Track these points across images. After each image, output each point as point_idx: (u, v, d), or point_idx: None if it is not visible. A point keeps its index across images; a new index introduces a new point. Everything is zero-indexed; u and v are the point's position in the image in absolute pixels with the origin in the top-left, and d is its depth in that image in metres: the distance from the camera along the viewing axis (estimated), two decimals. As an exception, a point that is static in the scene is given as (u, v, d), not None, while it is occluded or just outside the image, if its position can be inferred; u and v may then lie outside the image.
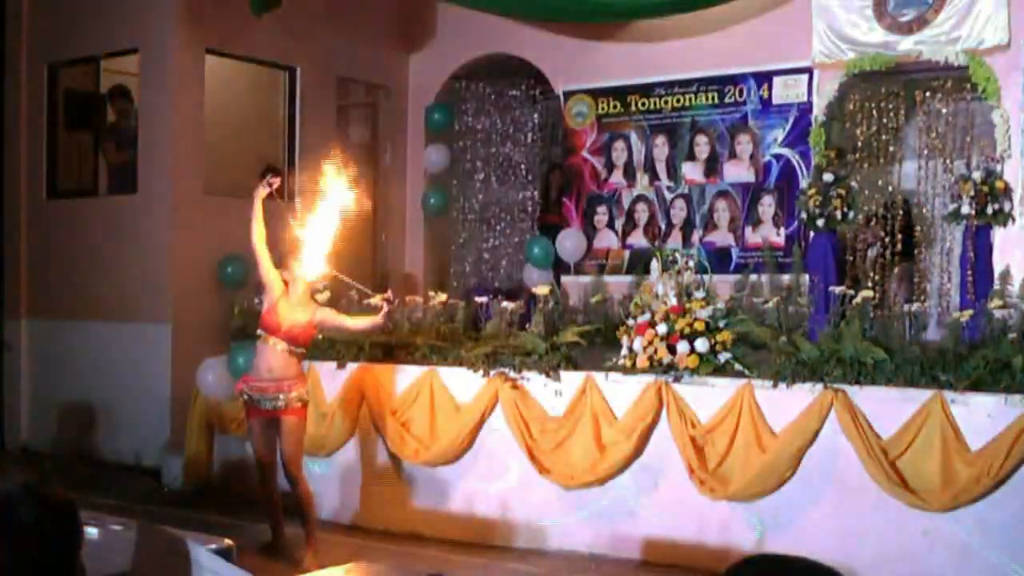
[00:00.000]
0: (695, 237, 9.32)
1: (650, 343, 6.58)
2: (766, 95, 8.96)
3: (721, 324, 6.59)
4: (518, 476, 6.97)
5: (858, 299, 6.46)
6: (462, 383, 7.18)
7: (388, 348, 7.59)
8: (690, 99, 9.37)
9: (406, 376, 7.43)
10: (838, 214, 7.70)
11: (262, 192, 6.25)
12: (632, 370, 6.66)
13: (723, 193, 9.23)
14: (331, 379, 7.60)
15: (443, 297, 7.89)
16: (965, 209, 7.47)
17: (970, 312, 6.42)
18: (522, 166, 10.77)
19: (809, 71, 8.61)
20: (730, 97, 9.16)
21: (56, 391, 9.59)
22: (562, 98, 10.03)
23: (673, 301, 6.66)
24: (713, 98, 9.24)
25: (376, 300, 6.56)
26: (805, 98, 8.71)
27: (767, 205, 8.99)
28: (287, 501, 6.51)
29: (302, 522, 6.42)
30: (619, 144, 9.74)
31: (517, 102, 10.75)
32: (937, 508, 5.69)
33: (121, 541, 3.34)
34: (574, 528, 6.81)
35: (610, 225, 9.78)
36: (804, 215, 7.93)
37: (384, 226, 10.64)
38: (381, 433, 7.40)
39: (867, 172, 8.71)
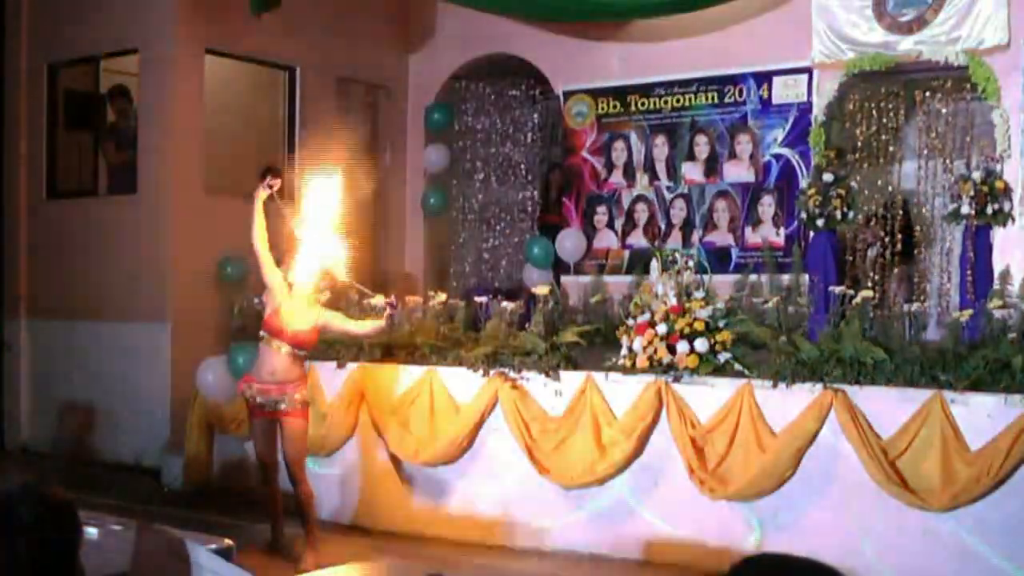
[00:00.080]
0: (695, 237, 9.32)
1: (650, 343, 6.59)
2: (766, 95, 8.96)
3: (721, 324, 6.59)
4: (518, 476, 6.96)
5: (858, 299, 6.46)
6: (462, 383, 7.18)
7: (388, 348, 7.59)
8: (690, 99, 9.37)
9: (406, 376, 7.44)
10: (838, 214, 7.70)
11: (263, 194, 6.25)
12: (632, 370, 6.66)
13: (723, 193, 9.23)
14: (331, 379, 7.60)
15: (443, 297, 7.89)
16: (965, 209, 7.47)
17: (970, 312, 6.42)
18: (522, 166, 10.77)
19: (809, 71, 8.61)
20: (730, 97, 9.16)
21: (56, 391, 9.59)
22: (562, 98, 10.03)
23: (673, 301, 6.66)
24: (713, 98, 9.24)
25: (377, 301, 6.55)
26: (805, 98, 8.71)
27: (767, 205, 8.99)
28: (288, 501, 6.51)
29: (302, 522, 6.42)
30: (619, 144, 9.74)
31: (517, 102, 10.75)
32: (937, 508, 5.70)
33: (121, 541, 3.34)
34: (574, 528, 6.81)
35: (610, 225, 9.77)
36: (804, 215, 7.92)
37: (384, 226, 10.64)
38: (381, 433, 7.40)
39: (867, 172, 8.71)
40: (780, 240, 8.89)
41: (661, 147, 9.53)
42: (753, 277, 8.67)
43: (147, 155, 9.11)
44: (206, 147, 9.18)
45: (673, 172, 9.49)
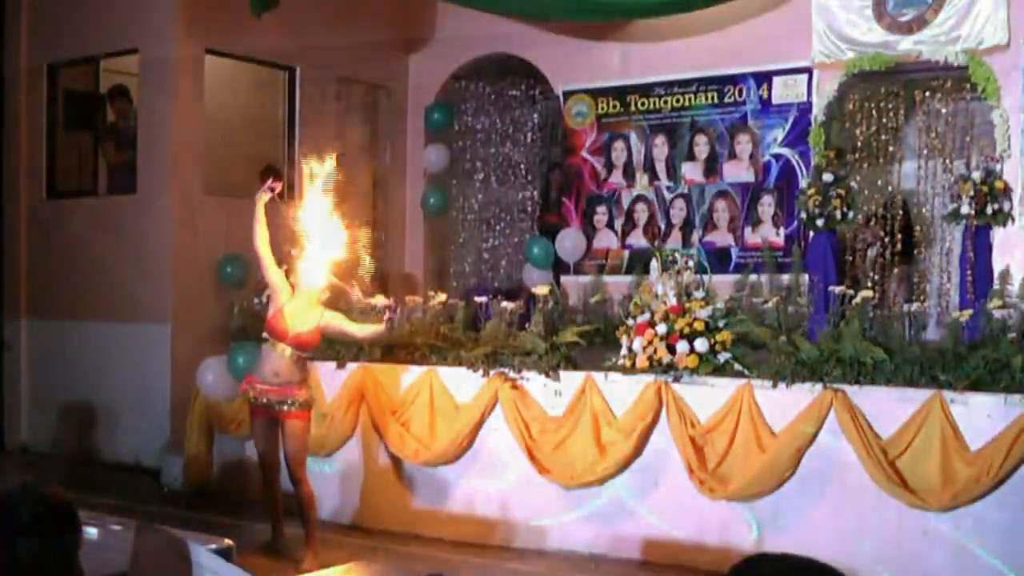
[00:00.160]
0: (695, 237, 9.31)
1: (650, 343, 6.59)
2: (766, 95, 8.96)
3: (721, 324, 6.59)
4: (518, 476, 6.97)
5: (858, 299, 6.46)
6: (462, 383, 7.19)
7: (388, 348, 7.59)
8: (690, 99, 9.36)
9: (406, 376, 7.44)
10: (838, 214, 7.69)
11: (264, 196, 6.25)
12: (632, 370, 6.66)
13: (723, 193, 9.23)
14: (331, 379, 7.60)
15: (443, 297, 7.89)
16: (965, 209, 7.47)
17: (969, 312, 6.42)
18: (522, 166, 10.76)
19: (809, 71, 8.61)
20: (730, 97, 9.15)
21: (56, 391, 9.58)
22: (562, 98, 10.03)
23: (673, 301, 6.66)
24: (713, 98, 9.24)
25: (377, 301, 6.55)
26: (805, 98, 8.71)
27: (767, 205, 8.99)
28: (288, 501, 6.52)
29: (302, 522, 6.42)
30: (619, 144, 9.73)
31: (517, 102, 10.75)
32: (937, 508, 5.70)
33: (121, 541, 3.34)
34: (574, 528, 6.82)
35: (610, 225, 9.77)
36: (804, 215, 7.92)
37: (384, 226, 10.64)
38: (381, 433, 7.40)
39: (867, 172, 8.70)
40: (780, 240, 8.89)
41: (661, 147, 9.53)
42: (753, 277, 8.66)
43: (147, 155, 9.10)
44: (206, 147, 9.18)
45: (673, 172, 9.49)
